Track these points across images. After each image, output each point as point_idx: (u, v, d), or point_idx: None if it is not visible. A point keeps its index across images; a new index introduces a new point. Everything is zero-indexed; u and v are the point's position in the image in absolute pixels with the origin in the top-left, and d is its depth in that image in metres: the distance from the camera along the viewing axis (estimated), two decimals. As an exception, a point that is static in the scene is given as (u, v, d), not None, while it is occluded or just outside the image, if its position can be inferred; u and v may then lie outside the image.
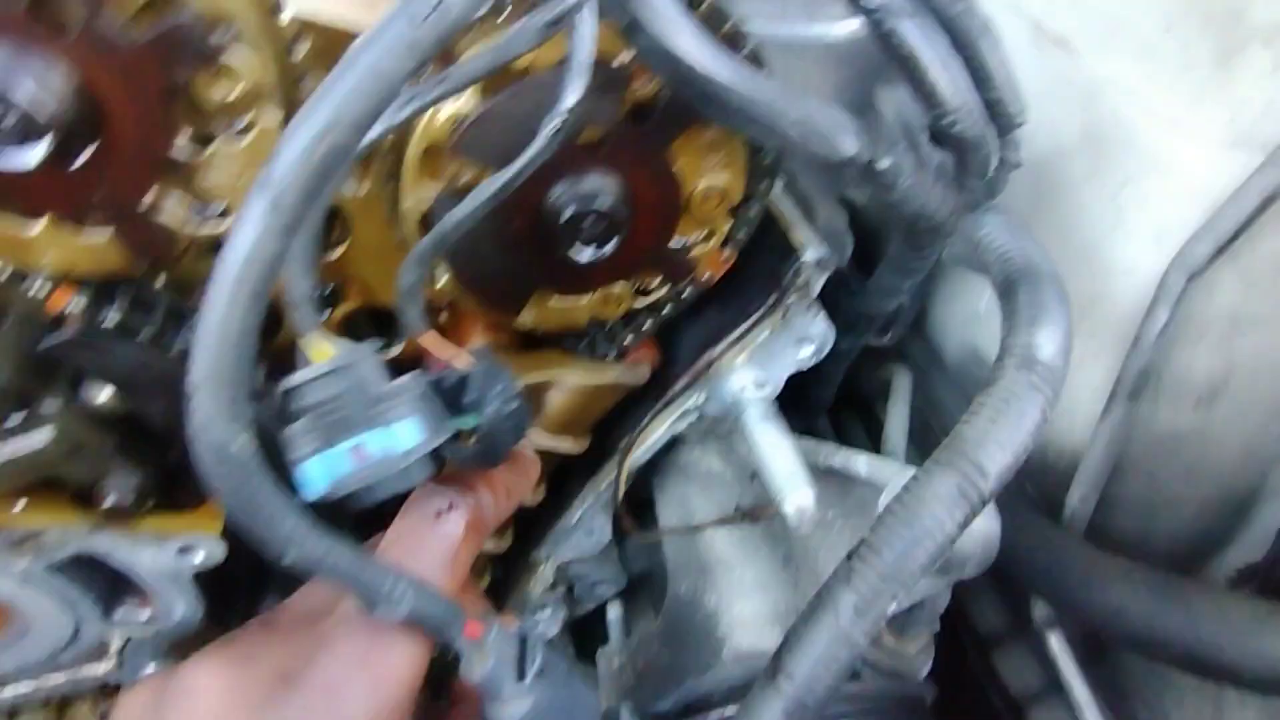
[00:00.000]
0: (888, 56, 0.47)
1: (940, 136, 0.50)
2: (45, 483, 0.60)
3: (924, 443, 0.96)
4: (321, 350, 0.40)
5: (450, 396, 0.44)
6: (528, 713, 0.42)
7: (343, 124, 0.30)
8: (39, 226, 0.44)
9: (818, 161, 0.46)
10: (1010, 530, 0.73)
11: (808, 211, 0.72)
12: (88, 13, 0.37)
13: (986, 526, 0.59)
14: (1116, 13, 0.57)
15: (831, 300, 0.89)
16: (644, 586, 0.91)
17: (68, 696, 0.81)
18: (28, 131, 0.37)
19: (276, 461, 0.38)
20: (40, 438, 0.56)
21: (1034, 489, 0.77)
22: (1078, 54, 0.60)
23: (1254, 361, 0.58)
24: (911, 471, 0.63)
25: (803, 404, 0.96)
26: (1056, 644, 0.78)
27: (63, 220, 0.44)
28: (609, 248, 0.50)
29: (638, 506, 0.84)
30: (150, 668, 0.79)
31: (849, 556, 0.43)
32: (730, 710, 0.70)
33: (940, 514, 0.41)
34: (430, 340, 0.43)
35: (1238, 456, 0.64)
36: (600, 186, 0.49)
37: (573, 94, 0.37)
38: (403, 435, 0.39)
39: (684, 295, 0.61)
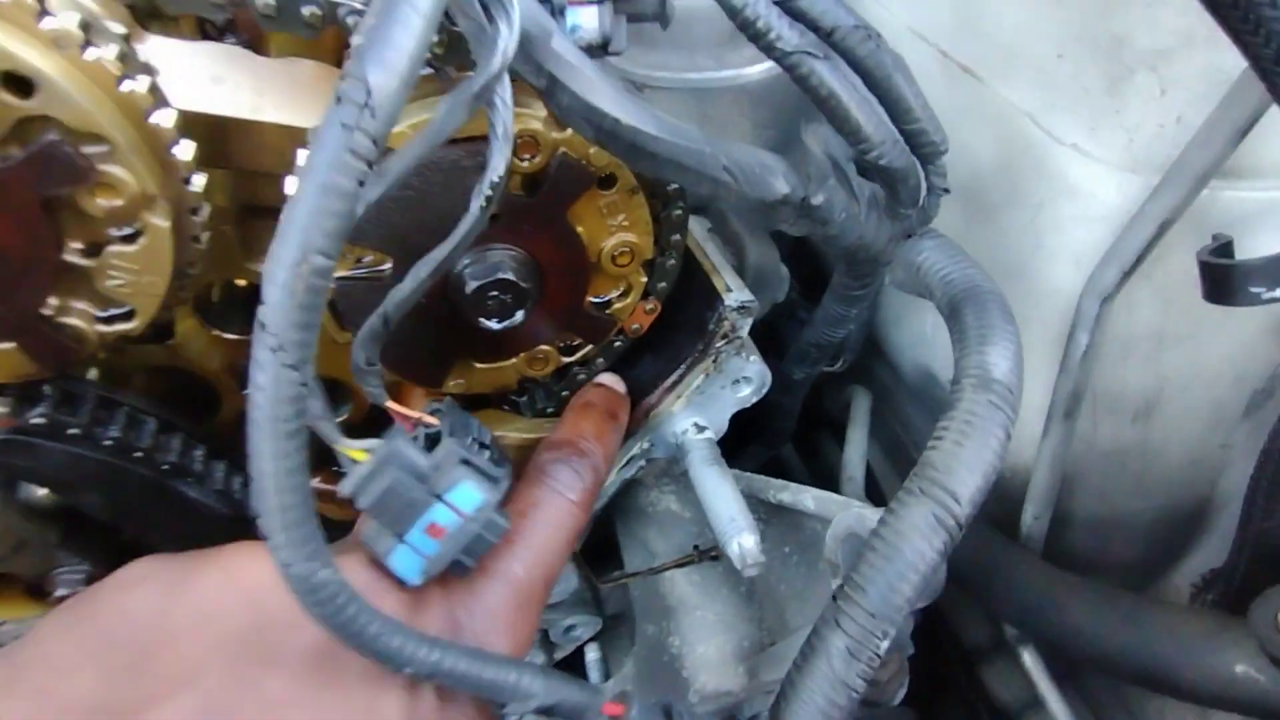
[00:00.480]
0: (809, 98, 0.47)
1: (869, 170, 0.50)
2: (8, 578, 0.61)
3: (900, 459, 0.96)
4: (356, 452, 0.41)
5: None
6: None
7: (313, 248, 0.30)
8: (-60, 346, 0.45)
9: (751, 204, 0.46)
10: (969, 551, 0.72)
11: (738, 251, 0.72)
12: (-43, 143, 0.37)
13: (929, 559, 0.58)
14: (1013, 41, 0.57)
15: (783, 331, 0.90)
16: (621, 626, 0.91)
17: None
18: (-91, 263, 0.38)
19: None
20: (-19, 538, 0.57)
21: (992, 508, 0.77)
22: (983, 81, 0.61)
23: (1182, 375, 0.58)
24: (854, 505, 0.63)
25: (765, 434, 0.95)
26: (1030, 659, 0.77)
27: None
28: (519, 316, 0.51)
29: (607, 548, 0.84)
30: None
31: (834, 598, 0.42)
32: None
33: (920, 545, 0.40)
34: (394, 407, 0.43)
35: (1183, 466, 0.63)
36: (502, 259, 0.49)
37: (500, 163, 0.37)
38: (463, 500, 0.40)
39: (615, 347, 0.61)
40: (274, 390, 0.30)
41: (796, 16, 0.45)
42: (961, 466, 0.41)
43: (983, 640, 0.93)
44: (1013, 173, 0.61)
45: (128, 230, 0.43)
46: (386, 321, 0.40)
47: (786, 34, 0.43)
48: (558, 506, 0.49)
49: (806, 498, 0.67)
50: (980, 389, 0.43)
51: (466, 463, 0.41)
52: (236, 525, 0.62)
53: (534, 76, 0.38)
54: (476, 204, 0.37)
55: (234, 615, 0.38)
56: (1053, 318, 0.59)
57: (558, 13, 0.41)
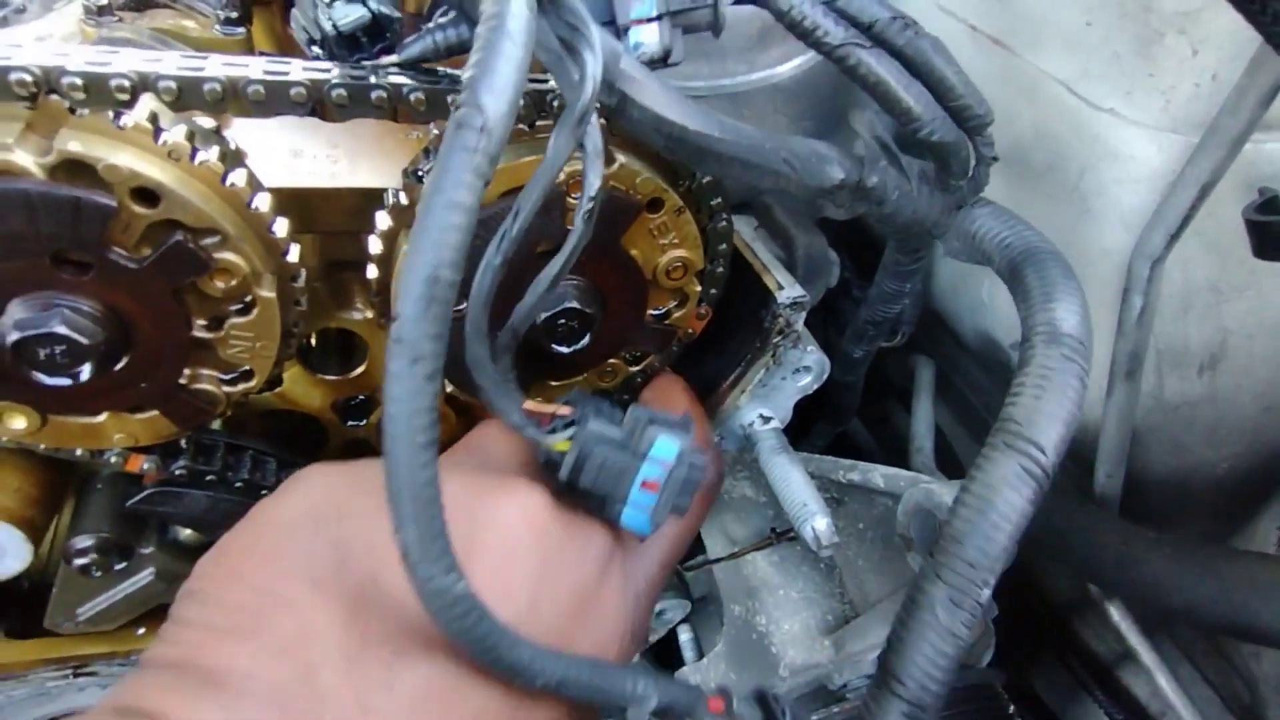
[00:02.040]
0: (858, 85, 0.49)
1: (920, 146, 0.51)
2: (158, 609, 0.69)
3: (972, 423, 0.97)
4: (561, 444, 0.45)
5: None
6: None
7: (443, 263, 0.32)
8: (102, 417, 0.52)
9: (810, 192, 0.48)
10: (1044, 513, 0.74)
11: (786, 243, 0.74)
12: (99, 252, 0.44)
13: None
14: (1040, 11, 0.57)
15: (840, 309, 0.91)
16: (710, 607, 0.96)
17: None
18: (75, 356, 0.45)
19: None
20: (144, 577, 0.65)
21: (1066, 468, 0.77)
22: (1013, 52, 0.61)
23: (1245, 325, 0.57)
24: (922, 480, 0.65)
25: (831, 413, 0.98)
26: (1117, 613, 0.78)
27: (118, 409, 0.51)
28: (586, 340, 0.55)
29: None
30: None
31: (932, 553, 0.43)
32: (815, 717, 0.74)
33: (1010, 496, 0.41)
34: (532, 405, 0.46)
35: (1256, 413, 0.63)
36: (566, 290, 0.53)
37: (596, 178, 0.40)
38: (663, 453, 0.44)
39: (673, 352, 0.65)
40: (411, 402, 0.31)
41: (838, 14, 0.47)
42: (1042, 418, 0.42)
43: (1073, 595, 0.94)
44: (1053, 140, 0.61)
45: (242, 304, 0.49)
46: (515, 335, 0.44)
47: (832, 29, 0.45)
48: None
49: (875, 476, 0.70)
50: (1051, 344, 0.44)
51: (654, 421, 0.45)
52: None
53: (606, 95, 0.41)
54: (579, 218, 0.40)
55: (527, 547, 0.41)
56: (1107, 280, 0.60)
57: (622, 33, 0.43)
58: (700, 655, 0.91)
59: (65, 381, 0.45)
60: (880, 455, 1.08)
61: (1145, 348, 0.58)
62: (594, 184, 0.40)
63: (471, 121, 0.33)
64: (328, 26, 0.47)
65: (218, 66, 0.45)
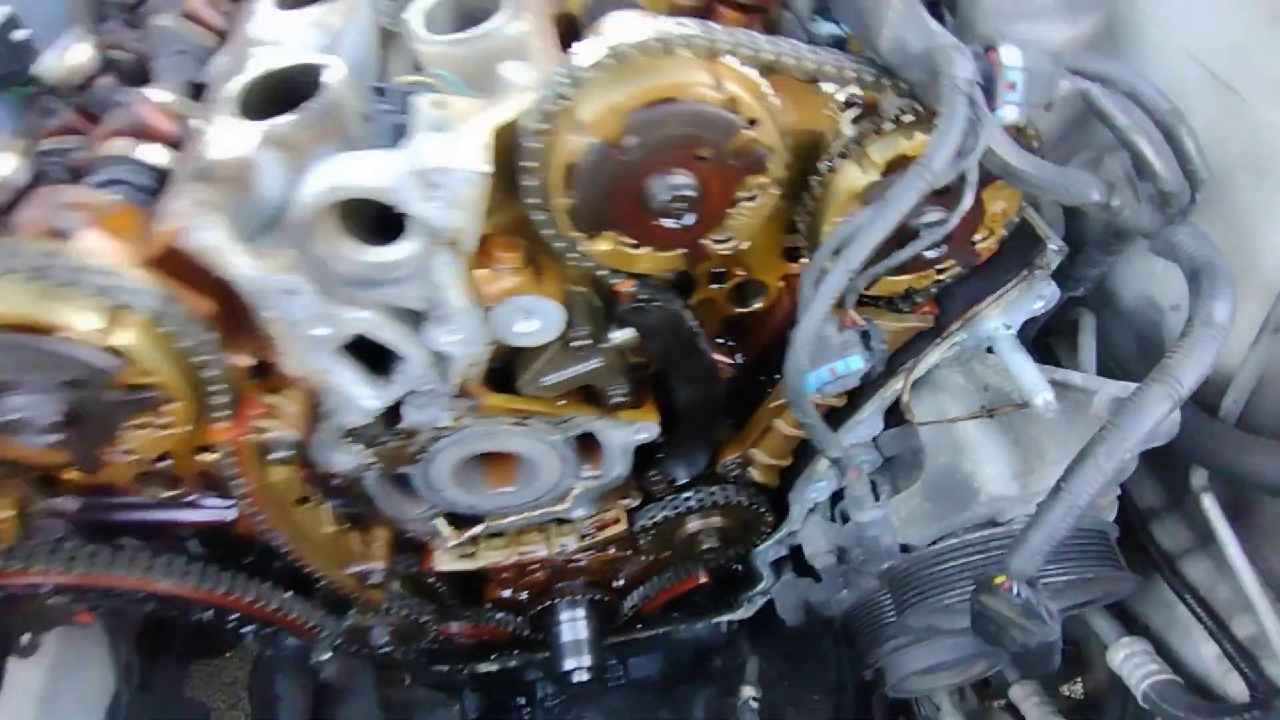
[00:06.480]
0: (1127, 152, 0.80)
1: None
2: (579, 389, 1.02)
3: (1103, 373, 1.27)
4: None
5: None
6: None
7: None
8: (643, 251, 0.85)
9: (1075, 205, 0.80)
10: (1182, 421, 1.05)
11: (1034, 206, 1.04)
12: (718, 153, 0.76)
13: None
14: (1276, 71, 0.85)
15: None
16: (896, 464, 1.28)
17: (538, 526, 1.28)
18: (688, 207, 0.77)
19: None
20: (595, 362, 0.98)
21: (1197, 397, 1.08)
22: (1245, 101, 0.90)
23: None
24: (1115, 384, 0.96)
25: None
26: (1209, 503, 1.10)
27: (656, 247, 0.84)
28: (936, 253, 0.87)
29: (890, 413, 1.21)
30: (580, 511, 1.25)
31: (1101, 429, 0.78)
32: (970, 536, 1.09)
33: (1156, 407, 0.76)
34: (847, 313, 0.82)
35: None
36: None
37: (969, 200, 0.74)
38: (852, 363, 0.79)
39: (957, 270, 0.96)
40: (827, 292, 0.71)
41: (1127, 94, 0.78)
42: (1185, 369, 0.76)
43: (1154, 502, 1.25)
44: (1257, 168, 0.90)
45: (751, 196, 0.81)
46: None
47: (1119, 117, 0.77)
48: None
49: (1075, 376, 1.01)
50: (1205, 325, 0.77)
51: (862, 343, 0.80)
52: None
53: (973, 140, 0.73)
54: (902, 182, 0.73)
55: None
56: (1273, 265, 0.90)
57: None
58: (876, 499, 1.25)
59: (674, 224, 0.78)
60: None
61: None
62: (965, 204, 0.74)
63: (923, 174, 0.69)
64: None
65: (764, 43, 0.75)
